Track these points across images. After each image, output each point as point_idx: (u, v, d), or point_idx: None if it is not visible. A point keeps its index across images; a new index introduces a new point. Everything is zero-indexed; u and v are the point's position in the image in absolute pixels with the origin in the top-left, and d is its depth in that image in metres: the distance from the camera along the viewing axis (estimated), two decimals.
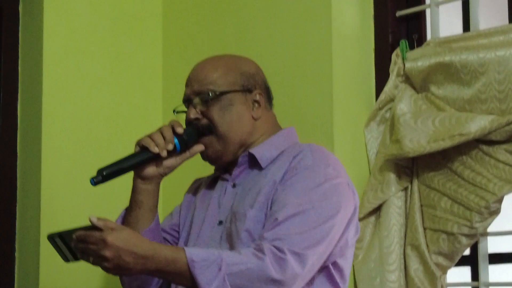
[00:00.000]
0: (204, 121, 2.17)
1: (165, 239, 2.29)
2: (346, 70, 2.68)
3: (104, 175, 2.08)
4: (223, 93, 2.17)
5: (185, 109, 2.24)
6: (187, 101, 2.23)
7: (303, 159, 2.06)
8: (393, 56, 2.85)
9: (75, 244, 1.86)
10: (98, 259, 1.83)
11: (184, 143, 2.14)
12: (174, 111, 2.33)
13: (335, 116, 2.82)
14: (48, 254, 3.21)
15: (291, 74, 2.94)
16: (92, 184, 2.07)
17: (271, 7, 3.22)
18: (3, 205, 3.42)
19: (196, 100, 2.19)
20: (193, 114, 2.17)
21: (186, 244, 2.21)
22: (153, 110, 3.69)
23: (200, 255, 1.84)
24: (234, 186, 2.21)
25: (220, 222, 2.15)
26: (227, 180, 2.23)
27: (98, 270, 3.35)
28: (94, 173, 3.41)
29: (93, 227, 1.83)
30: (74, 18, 3.50)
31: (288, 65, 3.00)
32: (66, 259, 1.99)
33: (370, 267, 2.72)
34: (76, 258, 1.95)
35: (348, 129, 2.89)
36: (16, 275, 3.42)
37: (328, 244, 1.97)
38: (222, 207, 2.18)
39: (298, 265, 1.87)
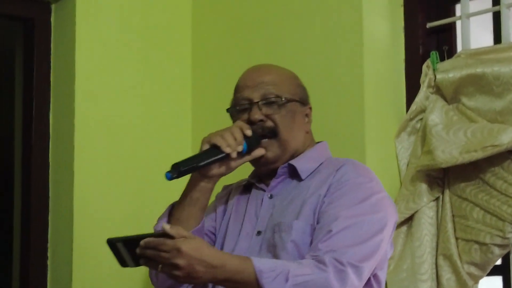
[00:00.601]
0: (269, 123, 2.16)
1: (208, 236, 2.28)
2: (377, 81, 2.67)
3: (181, 170, 2.07)
4: (289, 100, 2.17)
5: (237, 107, 2.23)
6: (247, 101, 2.20)
7: (347, 173, 2.07)
8: (424, 67, 2.85)
9: (141, 251, 1.83)
10: (169, 267, 1.81)
11: (250, 145, 2.14)
12: (227, 110, 2.30)
13: (367, 127, 2.83)
14: (81, 263, 3.33)
15: (323, 87, 2.93)
16: (167, 178, 2.05)
17: (303, 20, 3.23)
18: (36, 216, 3.42)
19: (261, 102, 2.17)
20: (259, 115, 2.15)
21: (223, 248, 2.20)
22: (182, 121, 3.73)
23: (267, 265, 1.85)
24: (271, 197, 2.19)
25: (259, 232, 2.14)
26: (263, 190, 2.22)
27: (128, 279, 3.36)
28: (124, 183, 3.44)
29: (162, 235, 1.83)
30: (105, 30, 3.54)
31: (320, 78, 2.98)
32: (125, 265, 1.96)
33: (402, 277, 2.70)
34: (137, 265, 1.93)
35: (379, 140, 2.89)
36: (48, 284, 3.44)
37: (377, 257, 1.99)
38: (260, 218, 2.17)
39: (356, 278, 1.89)
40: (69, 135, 3.40)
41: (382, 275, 2.11)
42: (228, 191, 2.38)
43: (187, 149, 3.60)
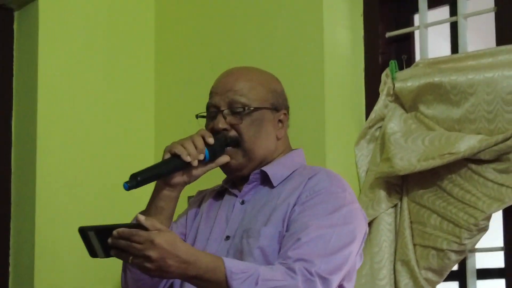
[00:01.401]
0: (233, 133, 2.15)
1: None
2: (337, 90, 2.69)
3: (139, 180, 2.06)
4: (256, 109, 2.16)
5: (205, 114, 2.24)
6: (215, 107, 2.20)
7: (321, 182, 2.06)
8: (383, 76, 2.87)
9: (114, 241, 1.81)
10: (140, 259, 1.79)
11: (213, 153, 2.13)
12: (196, 116, 2.28)
13: (327, 135, 2.84)
14: (43, 266, 3.31)
15: None
16: (125, 188, 2.05)
17: (264, 28, 3.26)
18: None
19: (227, 111, 2.16)
20: (222, 124, 2.14)
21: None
22: (145, 123, 3.73)
23: (239, 267, 1.84)
24: (243, 203, 2.19)
25: (228, 237, 2.13)
26: (235, 196, 2.22)
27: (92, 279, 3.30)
28: (87, 187, 3.43)
29: (136, 226, 1.81)
30: (69, 37, 3.51)
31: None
32: (95, 255, 1.94)
33: (361, 282, 2.69)
34: (107, 255, 1.89)
35: (339, 147, 2.91)
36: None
37: (345, 269, 1.99)
38: (230, 223, 2.16)
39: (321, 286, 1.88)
40: (32, 140, 3.39)
41: (350, 287, 2.12)
42: (202, 196, 2.37)
43: (150, 152, 3.64)
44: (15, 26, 3.51)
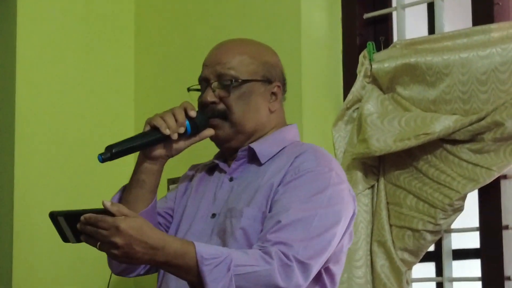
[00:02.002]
0: (221, 106, 2.10)
1: (158, 222, 2.22)
2: (315, 71, 2.69)
3: (114, 152, 2.04)
4: (244, 81, 2.10)
5: (199, 87, 2.18)
6: (205, 81, 2.15)
7: (306, 161, 2.01)
8: (361, 57, 2.89)
9: (82, 226, 1.78)
10: (106, 245, 1.77)
11: (195, 127, 2.09)
12: (188, 89, 2.22)
13: (304, 116, 2.84)
14: (21, 251, 3.33)
15: None
16: (100, 160, 2.02)
17: (242, 11, 3.27)
18: None
19: (215, 84, 2.11)
20: (210, 97, 2.09)
21: (176, 232, 2.16)
22: (124, 109, 3.74)
23: (210, 253, 1.79)
24: (231, 179, 2.14)
25: (213, 215, 2.09)
26: (225, 172, 2.18)
27: (70, 267, 3.32)
28: (66, 174, 3.42)
29: (104, 211, 1.77)
30: (47, 22, 3.52)
31: None
32: (66, 240, 1.89)
33: None
34: (78, 241, 1.85)
35: (316, 129, 2.91)
36: None
37: (327, 254, 1.94)
38: (217, 201, 2.12)
39: (302, 275, 1.84)
40: (10, 126, 3.40)
41: (337, 269, 2.06)
42: (194, 171, 2.33)
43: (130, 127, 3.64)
44: None
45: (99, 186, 3.41)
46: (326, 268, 1.98)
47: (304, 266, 1.84)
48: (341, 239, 1.99)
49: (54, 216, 1.88)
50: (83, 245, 1.99)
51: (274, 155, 2.08)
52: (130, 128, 3.64)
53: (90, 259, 2.88)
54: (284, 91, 2.21)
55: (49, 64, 3.49)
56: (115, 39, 3.75)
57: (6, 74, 3.46)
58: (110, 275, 2.61)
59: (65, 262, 3.35)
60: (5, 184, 3.42)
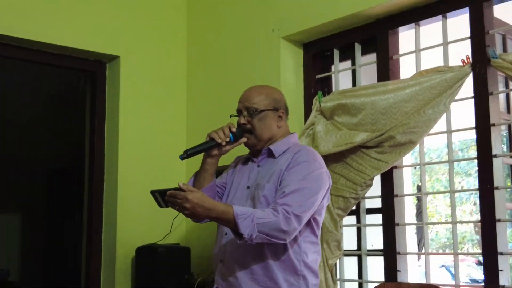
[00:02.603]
0: (249, 126, 2.09)
1: (217, 191, 2.20)
2: (290, 107, 2.66)
3: (188, 153, 2.05)
4: (262, 111, 2.08)
5: (236, 114, 2.15)
6: (239, 111, 2.14)
7: (301, 156, 2.02)
8: (314, 100, 2.87)
9: (167, 198, 1.84)
10: (181, 208, 1.83)
11: (235, 137, 2.09)
12: (230, 116, 2.21)
13: None
14: (123, 217, 3.24)
15: None
16: (180, 158, 2.05)
17: (249, 75, 3.10)
18: (97, 198, 3.29)
19: (245, 112, 2.10)
20: (243, 120, 2.09)
21: (227, 198, 2.16)
22: (180, 130, 3.52)
23: (241, 211, 1.84)
24: (258, 166, 2.13)
25: (248, 187, 2.09)
26: (254, 162, 2.15)
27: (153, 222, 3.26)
28: (155, 164, 3.41)
29: (180, 189, 1.83)
30: (137, 82, 3.37)
31: None
32: (160, 206, 1.99)
33: None
34: (166, 206, 1.93)
35: None
36: (103, 224, 3.31)
37: (313, 210, 1.96)
38: (250, 179, 2.11)
39: (296, 222, 1.87)
40: (116, 142, 3.27)
41: (320, 218, 2.05)
42: (238, 161, 2.29)
43: (182, 144, 3.42)
44: (107, 73, 3.39)
45: (177, 174, 3.29)
46: (314, 218, 2.00)
47: (298, 217, 1.87)
48: (321, 201, 2.01)
49: (153, 193, 1.97)
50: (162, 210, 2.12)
51: (283, 152, 2.08)
52: (183, 141, 3.50)
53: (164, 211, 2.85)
54: (287, 114, 2.18)
55: (139, 107, 3.36)
56: (171, 92, 3.53)
57: (114, 113, 3.33)
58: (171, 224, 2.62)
59: (149, 217, 3.22)
60: (112, 175, 3.27)
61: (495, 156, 2.31)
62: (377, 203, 2.75)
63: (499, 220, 2.29)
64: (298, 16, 2.93)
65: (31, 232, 5.81)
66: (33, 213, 5.79)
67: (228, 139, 2.08)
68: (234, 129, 2.10)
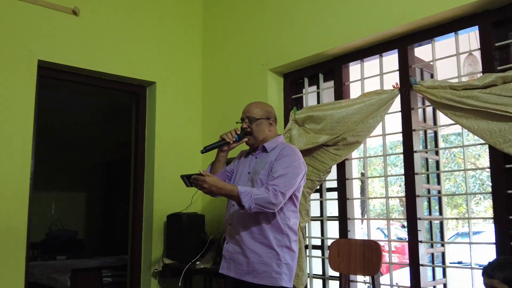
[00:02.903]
0: (249, 129, 2.03)
1: (227, 175, 2.13)
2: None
3: (207, 149, 2.01)
4: (258, 119, 2.03)
5: (240, 121, 2.08)
6: (242, 119, 2.07)
7: (285, 151, 1.97)
8: (291, 113, 2.79)
9: (192, 180, 1.84)
10: (201, 188, 1.83)
11: (239, 138, 2.05)
12: (236, 122, 2.14)
13: None
14: (159, 190, 3.16)
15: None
16: (201, 153, 2.03)
17: (245, 100, 3.05)
18: (139, 189, 3.20)
19: (246, 120, 2.04)
20: (245, 125, 2.04)
21: (233, 181, 2.10)
22: (197, 135, 3.41)
23: (244, 189, 1.82)
24: (256, 158, 2.06)
25: (248, 173, 2.04)
26: (253, 155, 2.08)
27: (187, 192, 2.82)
28: (181, 157, 3.30)
29: (200, 174, 1.82)
30: (170, 102, 3.29)
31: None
32: (187, 186, 1.93)
33: None
34: (191, 186, 1.89)
35: None
36: (144, 199, 3.22)
37: (294, 188, 1.91)
38: (250, 167, 2.06)
39: (282, 197, 1.85)
40: (152, 154, 3.19)
41: (298, 194, 1.99)
42: (241, 154, 2.20)
43: (199, 143, 3.38)
44: (147, 94, 3.30)
45: (195, 164, 3.25)
46: (294, 194, 1.95)
47: (283, 194, 1.85)
48: (300, 182, 1.96)
49: (182, 176, 1.95)
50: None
51: (273, 148, 2.03)
52: (199, 142, 3.39)
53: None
54: (276, 122, 2.11)
55: (170, 123, 3.26)
56: (190, 107, 3.41)
57: (151, 129, 3.22)
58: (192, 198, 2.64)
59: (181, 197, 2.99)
60: (150, 165, 3.18)
61: (416, 151, 2.32)
62: (334, 184, 2.72)
63: (418, 196, 2.29)
64: (279, 55, 2.90)
65: (92, 205, 5.87)
66: (94, 192, 5.88)
67: (234, 139, 2.05)
68: (238, 132, 2.06)
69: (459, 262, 5.54)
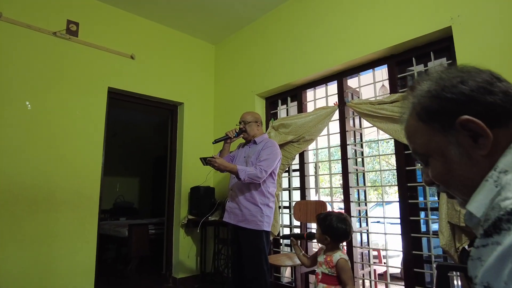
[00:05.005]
0: (244, 129, 1.96)
1: (230, 158, 2.02)
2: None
3: (216, 141, 1.94)
4: (250, 122, 1.96)
5: (239, 123, 2.00)
6: (240, 122, 2.00)
7: (268, 144, 1.90)
8: (270, 122, 2.65)
9: (207, 160, 1.76)
10: (213, 167, 1.75)
11: (238, 134, 1.97)
12: (236, 124, 2.05)
13: None
14: (185, 171, 3.01)
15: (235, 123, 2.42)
16: (212, 143, 1.93)
17: (241, 110, 2.87)
18: (171, 183, 3.03)
19: (242, 123, 1.97)
20: (242, 126, 1.97)
21: (235, 161, 2.00)
22: (209, 133, 3.22)
23: (241, 167, 1.76)
24: (249, 147, 1.97)
25: (244, 157, 1.95)
26: (247, 146, 1.99)
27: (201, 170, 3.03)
28: (201, 148, 3.14)
29: (213, 157, 1.75)
30: (192, 114, 3.08)
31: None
32: (204, 165, 1.80)
33: None
34: (206, 165, 1.78)
35: None
36: (175, 178, 3.07)
37: (273, 167, 1.84)
38: (245, 153, 1.96)
39: (265, 174, 1.79)
40: (181, 158, 3.03)
41: (276, 172, 1.90)
42: (240, 145, 2.09)
43: (211, 137, 3.21)
44: (178, 111, 3.12)
45: (208, 151, 3.08)
46: (273, 172, 1.87)
47: (266, 171, 1.79)
48: (277, 164, 1.87)
49: (200, 158, 1.85)
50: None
51: (260, 142, 1.95)
52: (211, 139, 3.18)
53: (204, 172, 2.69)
54: (262, 125, 2.02)
55: (194, 135, 3.07)
56: (205, 119, 3.19)
57: (180, 140, 3.06)
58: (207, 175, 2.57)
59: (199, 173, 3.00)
60: (180, 159, 3.03)
61: (348, 144, 2.28)
62: (297, 167, 2.62)
63: (349, 172, 2.24)
64: (263, 85, 2.81)
65: (144, 186, 5.83)
66: (145, 177, 5.81)
67: (234, 135, 1.99)
68: (237, 130, 2.01)
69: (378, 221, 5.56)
